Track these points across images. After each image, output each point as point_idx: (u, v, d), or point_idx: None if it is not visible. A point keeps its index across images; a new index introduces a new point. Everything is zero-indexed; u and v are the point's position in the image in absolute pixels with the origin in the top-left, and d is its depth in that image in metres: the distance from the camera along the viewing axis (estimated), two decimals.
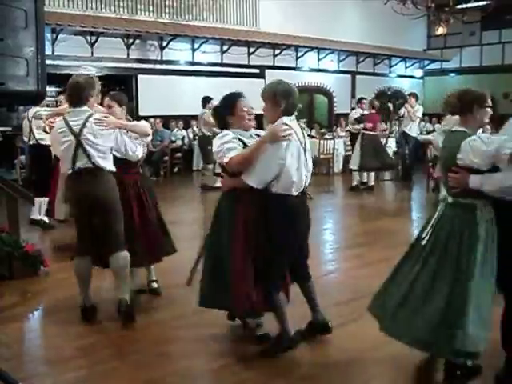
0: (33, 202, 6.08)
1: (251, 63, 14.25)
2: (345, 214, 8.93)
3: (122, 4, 12.25)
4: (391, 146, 12.46)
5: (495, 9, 13.68)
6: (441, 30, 14.10)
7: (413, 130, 11.21)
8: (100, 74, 11.35)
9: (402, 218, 8.17)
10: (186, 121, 12.92)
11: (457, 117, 3.09)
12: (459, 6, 13.13)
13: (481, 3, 14.23)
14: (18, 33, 2.25)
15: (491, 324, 2.93)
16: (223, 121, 3.54)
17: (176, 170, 12.90)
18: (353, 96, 16.21)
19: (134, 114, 4.40)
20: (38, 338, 4.03)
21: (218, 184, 10.06)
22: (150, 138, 4.55)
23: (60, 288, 4.70)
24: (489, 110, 3.05)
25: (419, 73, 18.44)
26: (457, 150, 2.94)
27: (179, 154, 12.84)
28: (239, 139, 3.38)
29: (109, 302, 4.19)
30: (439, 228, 3.06)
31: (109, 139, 3.90)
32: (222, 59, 13.80)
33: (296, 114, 3.39)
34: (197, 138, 11.24)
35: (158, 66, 12.80)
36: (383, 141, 11.81)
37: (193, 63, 13.30)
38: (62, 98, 6.74)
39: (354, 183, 10.37)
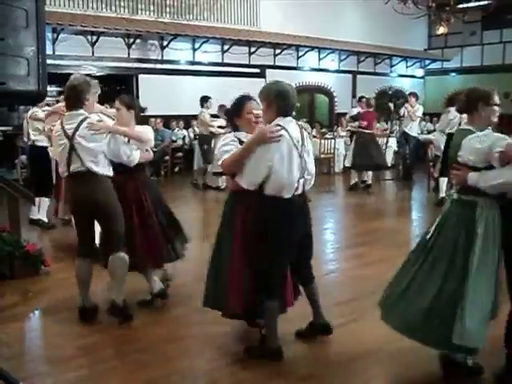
0: (34, 201, 6.09)
1: (252, 63, 14.23)
2: (345, 213, 8.93)
3: (122, 4, 12.24)
4: (392, 145, 12.45)
5: (496, 8, 13.67)
6: (442, 30, 14.08)
7: (413, 129, 11.18)
8: (101, 74, 11.41)
9: (402, 218, 8.17)
10: (187, 120, 12.90)
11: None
12: (460, 6, 13.10)
13: (482, 3, 14.18)
14: (19, 32, 2.25)
15: (489, 317, 2.93)
16: (233, 123, 3.57)
17: (177, 169, 12.89)
18: (353, 96, 16.18)
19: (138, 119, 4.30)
20: (39, 337, 4.04)
21: (220, 184, 10.16)
22: (150, 143, 4.28)
23: (61, 288, 4.71)
24: (496, 108, 3.02)
25: (420, 72, 18.41)
26: (458, 148, 2.96)
27: (180, 154, 12.83)
28: (239, 140, 3.38)
29: (109, 302, 4.17)
30: (443, 224, 3.08)
31: (101, 144, 3.86)
32: (222, 59, 13.79)
33: (294, 114, 3.36)
34: (197, 137, 11.23)
35: (159, 66, 12.79)
36: (384, 140, 11.83)
37: (193, 63, 13.29)
38: (62, 97, 6.74)
39: (353, 182, 10.36)
